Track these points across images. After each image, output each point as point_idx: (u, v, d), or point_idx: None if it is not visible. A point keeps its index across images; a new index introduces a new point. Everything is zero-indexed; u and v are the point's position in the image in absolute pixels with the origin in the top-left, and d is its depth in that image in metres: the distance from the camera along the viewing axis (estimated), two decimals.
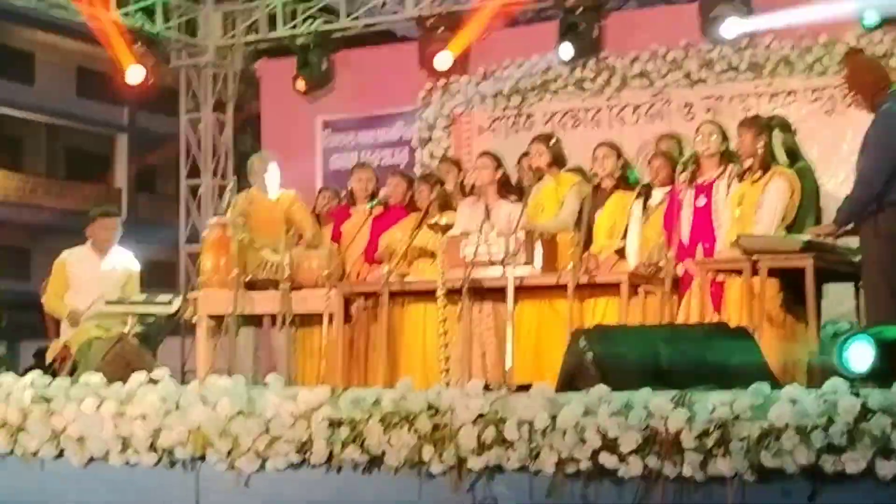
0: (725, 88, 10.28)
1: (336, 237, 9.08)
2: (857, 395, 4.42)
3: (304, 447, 5.31)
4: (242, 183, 9.46)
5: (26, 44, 25.93)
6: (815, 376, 5.98)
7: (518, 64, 11.07)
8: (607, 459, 4.69)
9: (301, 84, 11.89)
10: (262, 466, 5.41)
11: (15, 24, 23.68)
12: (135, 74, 11.85)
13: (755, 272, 6.64)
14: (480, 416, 4.96)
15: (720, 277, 7.09)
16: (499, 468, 4.93)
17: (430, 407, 5.08)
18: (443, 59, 11.21)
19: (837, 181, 8.99)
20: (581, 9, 10.66)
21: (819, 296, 7.23)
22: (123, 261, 8.59)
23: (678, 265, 7.25)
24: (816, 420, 4.41)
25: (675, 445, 4.58)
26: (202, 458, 5.53)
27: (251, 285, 8.45)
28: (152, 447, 5.62)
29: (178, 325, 9.47)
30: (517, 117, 11.19)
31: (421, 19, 11.46)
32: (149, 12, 12.26)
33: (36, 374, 6.12)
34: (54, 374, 6.99)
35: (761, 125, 7.29)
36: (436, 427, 5.03)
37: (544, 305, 7.70)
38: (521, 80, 11.04)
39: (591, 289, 7.52)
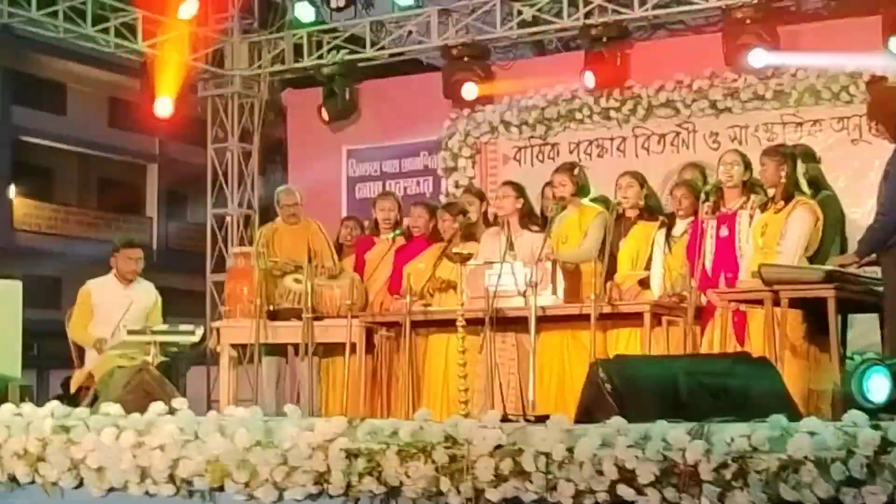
0: (751, 117, 10.23)
1: (359, 267, 9.08)
2: (877, 427, 4.36)
3: (321, 478, 5.28)
4: (268, 213, 9.50)
5: (58, 74, 26.10)
6: (840, 408, 5.92)
7: (543, 93, 11.07)
8: (625, 492, 4.64)
9: (326, 114, 11.92)
10: (280, 497, 5.38)
11: (47, 56, 23.86)
12: (163, 107, 11.90)
13: (776, 303, 6.59)
14: (498, 447, 4.93)
15: (743, 307, 7.05)
16: (516, 500, 4.89)
17: (447, 438, 5.04)
18: (470, 90, 11.21)
19: (864, 210, 8.91)
20: (606, 38, 10.65)
21: (844, 326, 7.19)
22: (147, 291, 8.62)
23: (701, 295, 7.22)
24: (836, 452, 4.35)
25: (692, 478, 4.53)
26: (220, 488, 5.50)
27: (274, 315, 8.46)
28: (171, 478, 5.60)
29: (204, 354, 9.50)
30: (542, 146, 11.17)
31: (446, 49, 11.48)
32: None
33: (56, 404, 6.13)
34: (77, 404, 7.01)
35: (784, 154, 7.26)
36: (453, 458, 5.00)
37: (567, 335, 7.68)
38: (546, 109, 11.03)
39: (614, 319, 7.49)
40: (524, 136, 11.22)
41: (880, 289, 6.63)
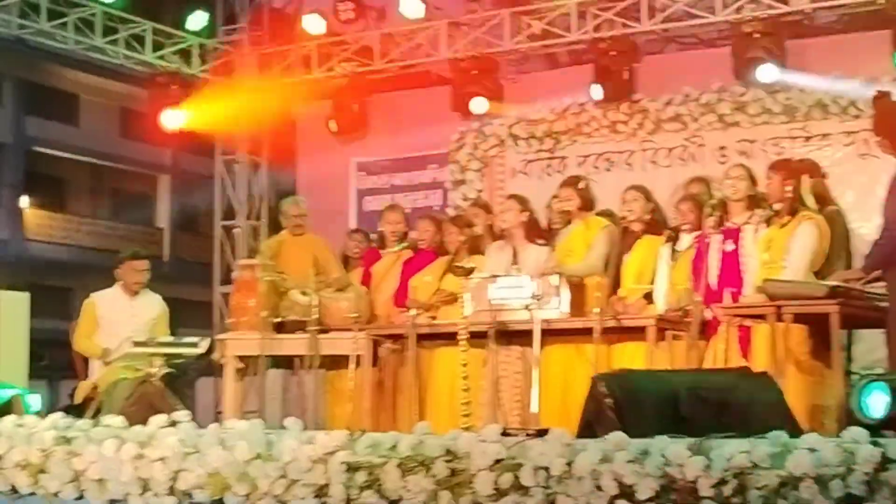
0: (759, 131, 10.22)
1: (366, 279, 9.09)
2: (877, 444, 4.35)
3: (321, 491, 5.27)
4: (277, 225, 9.51)
5: (71, 85, 26.19)
6: (844, 424, 5.90)
7: (552, 106, 11.07)
8: None
9: (335, 126, 11.93)
10: None
11: (60, 66, 23.94)
12: (171, 119, 11.93)
13: (780, 318, 6.57)
14: (498, 461, 4.92)
15: (748, 322, 7.03)
16: None
17: (447, 452, 5.04)
18: (479, 104, 11.21)
19: (872, 225, 8.87)
20: (615, 52, 10.65)
21: (850, 342, 7.16)
22: (152, 302, 8.63)
23: (706, 310, 7.20)
24: (835, 469, 4.34)
25: (692, 493, 4.52)
26: (220, 501, 5.50)
27: (280, 327, 8.47)
28: (171, 490, 5.60)
29: (212, 365, 9.51)
30: (550, 160, 11.18)
31: (455, 62, 11.48)
32: (185, 55, 12.37)
33: (58, 416, 6.14)
34: (83, 415, 7.02)
35: (790, 169, 7.26)
36: (453, 472, 5.00)
37: (572, 349, 7.66)
38: (554, 123, 11.03)
39: (618, 333, 7.47)
40: (532, 149, 11.22)
41: (885, 304, 6.60)
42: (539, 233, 8.26)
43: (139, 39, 11.99)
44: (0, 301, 10.16)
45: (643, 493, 4.59)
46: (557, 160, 11.14)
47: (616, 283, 7.76)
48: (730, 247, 7.35)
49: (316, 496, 5.30)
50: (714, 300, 7.25)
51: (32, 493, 6.01)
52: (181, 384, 8.36)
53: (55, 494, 5.92)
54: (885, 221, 6.45)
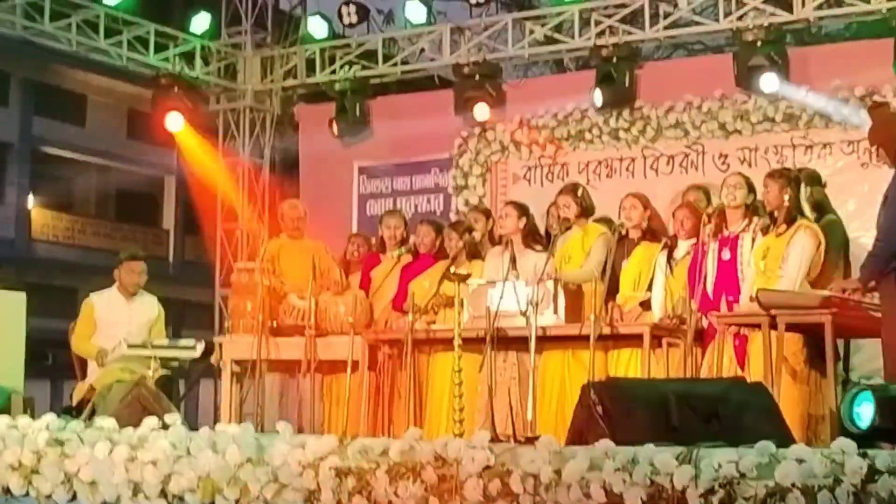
0: (761, 139, 10.19)
1: (365, 284, 9.09)
2: (864, 455, 4.34)
3: (311, 496, 5.29)
4: (278, 228, 9.52)
5: (78, 86, 26.20)
6: (838, 433, 5.89)
7: (554, 112, 11.06)
8: None
9: (337, 128, 11.93)
10: None
11: (67, 67, 23.95)
12: (174, 122, 11.93)
13: (774, 327, 6.56)
14: (487, 467, 4.93)
15: (744, 331, 7.02)
16: None
17: (437, 458, 5.05)
18: (481, 110, 11.20)
19: (873, 234, 8.86)
20: (617, 58, 10.64)
21: (847, 351, 7.15)
22: (150, 304, 8.64)
23: (702, 318, 7.20)
24: (823, 480, 4.33)
25: (679, 502, 4.51)
26: None
27: (277, 331, 8.47)
28: (163, 493, 5.63)
29: (211, 368, 9.50)
30: (552, 166, 11.15)
31: (458, 67, 11.48)
32: (188, 57, 12.38)
33: (51, 417, 6.15)
34: (78, 417, 7.02)
35: (788, 178, 7.24)
36: (442, 478, 5.00)
37: (568, 356, 7.67)
38: (556, 129, 11.02)
39: (614, 340, 7.48)
40: (534, 155, 11.20)
41: (879, 314, 6.58)
42: (537, 239, 8.26)
43: (142, 41, 11.99)
44: None
45: (631, 501, 4.59)
46: (559, 167, 11.10)
47: (613, 291, 7.76)
48: (727, 255, 7.35)
49: (306, 501, 5.31)
50: (711, 308, 7.25)
51: (26, 495, 6.03)
52: (176, 387, 8.36)
53: (48, 496, 5.94)
54: (879, 232, 6.42)
